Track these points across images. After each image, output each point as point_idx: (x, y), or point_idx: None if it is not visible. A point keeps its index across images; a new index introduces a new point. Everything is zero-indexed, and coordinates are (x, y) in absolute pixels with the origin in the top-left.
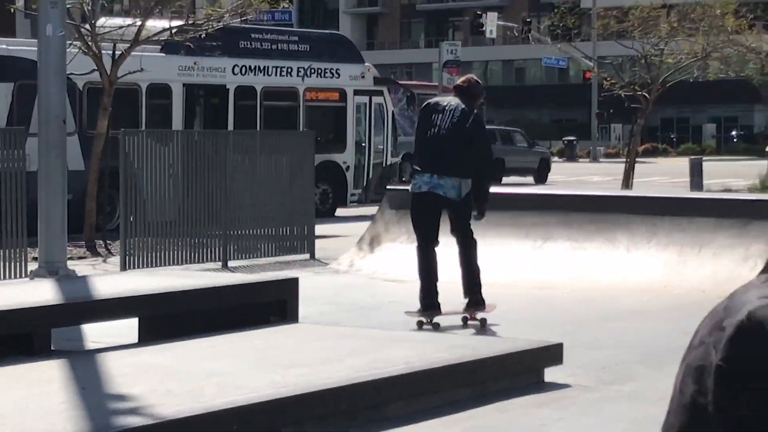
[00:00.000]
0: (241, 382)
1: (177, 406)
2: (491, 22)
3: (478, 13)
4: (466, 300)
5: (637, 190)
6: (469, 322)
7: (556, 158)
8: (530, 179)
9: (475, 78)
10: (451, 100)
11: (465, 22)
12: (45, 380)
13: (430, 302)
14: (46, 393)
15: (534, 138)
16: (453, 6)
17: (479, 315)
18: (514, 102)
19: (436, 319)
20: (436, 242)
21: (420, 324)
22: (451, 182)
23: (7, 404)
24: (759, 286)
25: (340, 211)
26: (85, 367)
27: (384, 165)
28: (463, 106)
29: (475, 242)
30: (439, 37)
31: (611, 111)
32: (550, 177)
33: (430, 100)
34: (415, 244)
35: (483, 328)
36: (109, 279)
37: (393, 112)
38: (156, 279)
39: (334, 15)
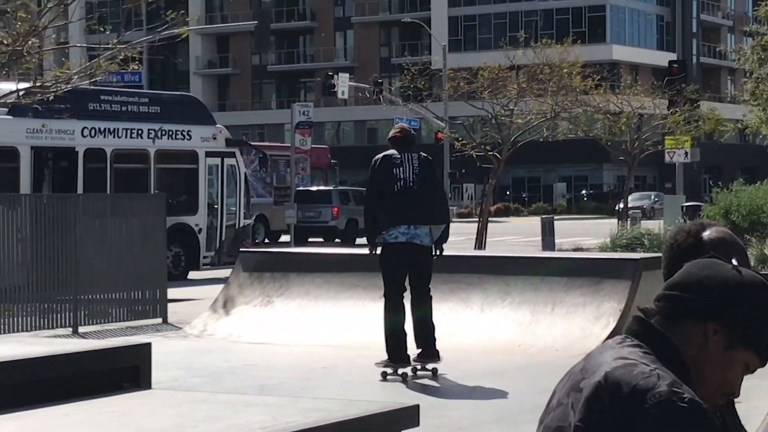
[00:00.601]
0: None
1: None
2: (343, 83)
3: (330, 74)
4: (419, 350)
5: (490, 250)
6: (419, 372)
7: None
8: None
9: (406, 125)
10: (399, 152)
11: (317, 83)
12: None
13: (402, 354)
14: None
15: None
16: (304, 67)
17: (430, 365)
18: (367, 162)
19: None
20: (404, 292)
21: (384, 375)
22: (425, 230)
23: None
24: (614, 347)
25: (192, 274)
26: None
27: (237, 227)
28: (417, 154)
29: (431, 295)
30: (290, 98)
31: (463, 171)
32: None
33: (383, 155)
34: (267, 304)
35: (435, 376)
36: None
37: (245, 173)
38: (3, 346)
39: (184, 76)
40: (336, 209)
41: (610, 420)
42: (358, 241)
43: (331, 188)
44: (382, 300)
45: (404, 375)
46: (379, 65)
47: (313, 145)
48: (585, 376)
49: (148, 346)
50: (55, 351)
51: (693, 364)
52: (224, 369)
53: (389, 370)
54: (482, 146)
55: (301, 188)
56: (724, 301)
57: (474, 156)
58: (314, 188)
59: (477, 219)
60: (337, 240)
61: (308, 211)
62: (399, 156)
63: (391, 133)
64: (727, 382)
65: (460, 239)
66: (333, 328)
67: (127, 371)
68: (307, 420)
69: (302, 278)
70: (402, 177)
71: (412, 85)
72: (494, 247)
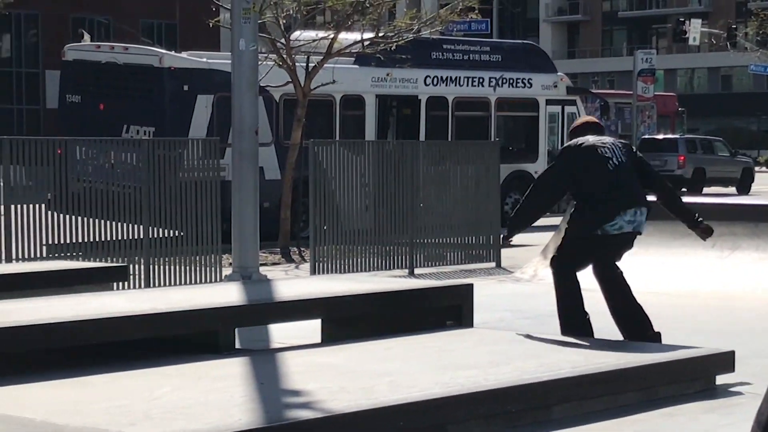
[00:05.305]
0: (411, 381)
1: (347, 401)
2: (695, 29)
3: (681, 19)
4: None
5: None
6: None
7: (763, 168)
8: (732, 189)
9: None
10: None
11: (668, 29)
12: (227, 376)
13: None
14: (226, 387)
15: (739, 148)
16: (656, 13)
17: None
18: (719, 110)
19: None
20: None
21: None
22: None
23: (190, 397)
24: None
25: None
26: (265, 365)
27: None
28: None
29: None
30: (641, 45)
31: None
32: (754, 187)
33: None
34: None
35: None
36: (294, 282)
37: None
38: (338, 283)
39: (534, 24)
40: (682, 158)
41: None
42: (705, 190)
43: (677, 137)
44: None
45: None
46: (735, 10)
47: (661, 93)
48: None
49: (470, 286)
50: (384, 288)
51: None
52: (549, 312)
53: None
54: None
55: (646, 136)
56: None
57: None
58: (660, 136)
59: None
60: (683, 189)
61: (653, 159)
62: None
63: (583, 121)
64: None
65: None
66: (662, 276)
67: (451, 310)
68: (619, 361)
69: None
70: (609, 155)
71: (760, 31)
72: None
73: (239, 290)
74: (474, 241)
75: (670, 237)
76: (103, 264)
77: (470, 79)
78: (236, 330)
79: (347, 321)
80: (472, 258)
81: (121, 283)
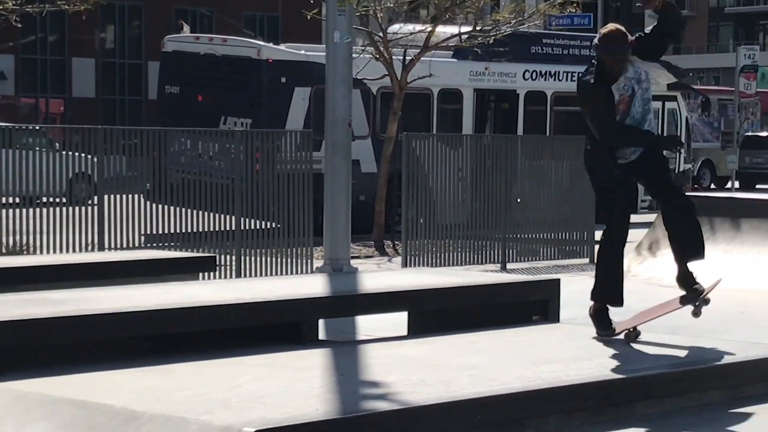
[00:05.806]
0: (492, 375)
1: (425, 394)
2: None
3: None
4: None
5: None
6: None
7: None
8: None
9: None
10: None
11: None
12: (308, 367)
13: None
14: (306, 378)
15: None
16: (763, 9)
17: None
18: None
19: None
20: None
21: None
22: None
23: (270, 387)
24: None
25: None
26: (347, 357)
27: (676, 171)
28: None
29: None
30: (748, 41)
31: None
32: None
33: None
34: None
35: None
36: (380, 275)
37: (687, 117)
38: (424, 276)
39: (639, 18)
40: None
41: None
42: None
43: None
44: None
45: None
46: None
47: (765, 90)
48: None
49: (556, 282)
50: (470, 282)
51: None
52: (641, 309)
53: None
54: None
55: (749, 133)
56: None
57: None
58: (764, 134)
59: None
60: None
61: (756, 156)
62: None
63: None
64: None
65: None
66: (758, 274)
67: (537, 305)
68: (704, 360)
69: (728, 223)
70: None
71: None
72: None
73: (325, 282)
74: (567, 237)
75: (765, 235)
76: (191, 254)
77: (569, 74)
78: (322, 321)
79: (433, 314)
80: (565, 254)
81: (209, 273)
